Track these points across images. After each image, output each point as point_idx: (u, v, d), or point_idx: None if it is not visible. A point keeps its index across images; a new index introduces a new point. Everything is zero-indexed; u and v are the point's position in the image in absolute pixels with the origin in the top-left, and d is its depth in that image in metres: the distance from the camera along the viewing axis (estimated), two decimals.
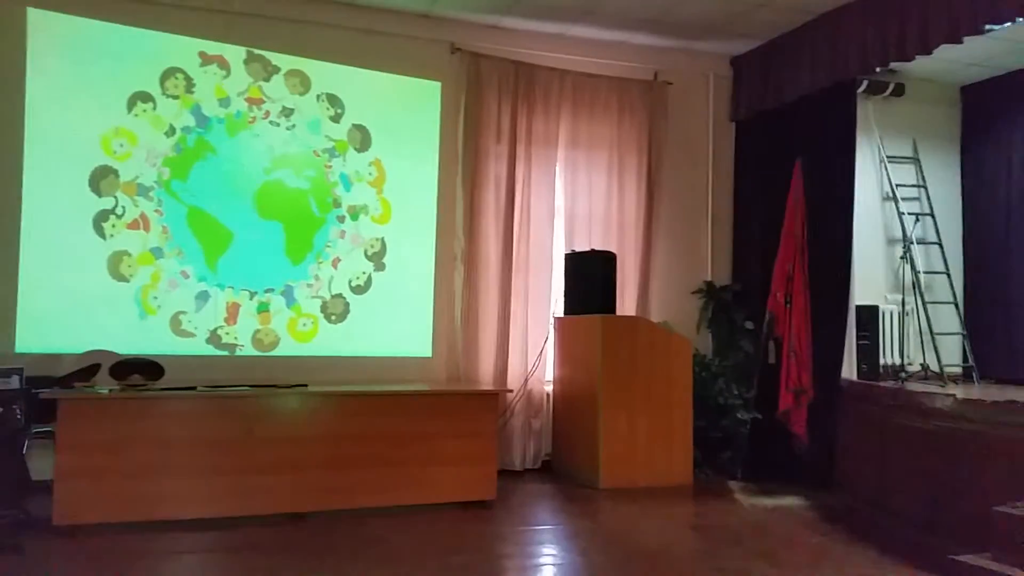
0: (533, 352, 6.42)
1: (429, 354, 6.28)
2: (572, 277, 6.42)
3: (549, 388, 6.51)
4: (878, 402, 5.33)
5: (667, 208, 7.01)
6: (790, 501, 5.46)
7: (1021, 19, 5.12)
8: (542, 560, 4.19)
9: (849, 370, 6.27)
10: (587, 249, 6.45)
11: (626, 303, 6.65)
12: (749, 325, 6.60)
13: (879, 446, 5.14)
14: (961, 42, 5.31)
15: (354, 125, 6.16)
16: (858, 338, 6.44)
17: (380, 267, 6.20)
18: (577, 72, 6.77)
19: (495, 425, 5.30)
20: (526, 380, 6.35)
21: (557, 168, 6.72)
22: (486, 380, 6.21)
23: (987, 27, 5.09)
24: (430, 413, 5.07)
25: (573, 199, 6.75)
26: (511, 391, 6.16)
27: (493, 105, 6.45)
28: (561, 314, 6.48)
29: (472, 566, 3.93)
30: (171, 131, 5.64)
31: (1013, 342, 7.05)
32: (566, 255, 6.52)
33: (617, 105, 6.91)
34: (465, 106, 6.35)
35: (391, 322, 6.20)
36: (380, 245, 6.22)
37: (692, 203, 7.19)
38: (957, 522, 4.15)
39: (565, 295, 6.45)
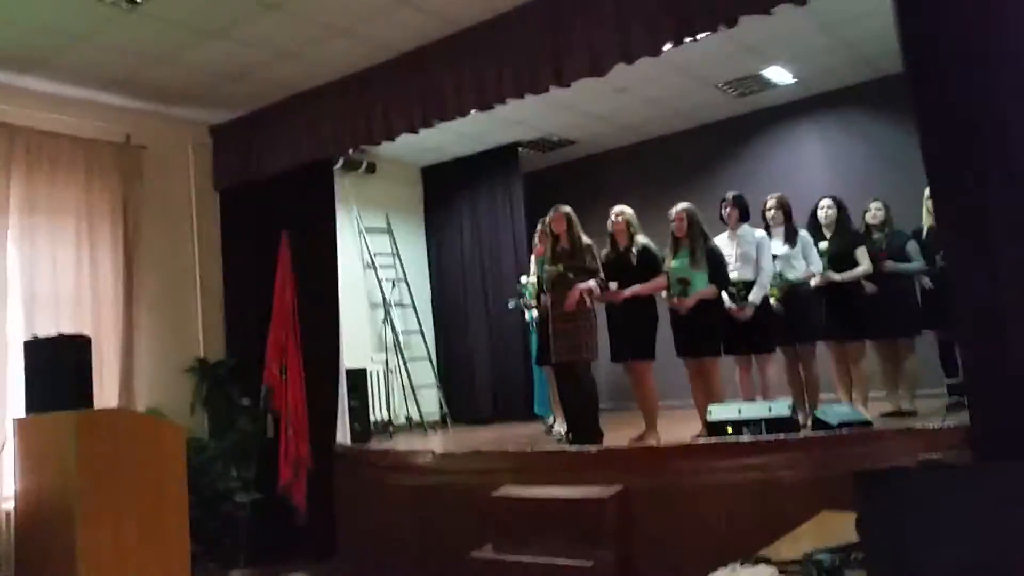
0: None
1: None
2: (36, 369, 5.46)
3: (9, 507, 5.41)
4: (370, 464, 5.70)
5: (150, 282, 6.49)
6: None
7: (443, 121, 5.91)
8: None
9: (343, 433, 6.55)
10: (53, 334, 5.58)
11: (107, 392, 5.92)
12: (246, 401, 6.43)
13: (374, 507, 5.47)
14: (417, 132, 6.06)
15: None
16: (349, 400, 6.77)
17: None
18: (31, 128, 5.88)
19: None
20: None
21: (8, 239, 5.72)
22: None
23: (436, 121, 5.87)
24: None
25: (33, 275, 5.80)
26: None
27: None
28: (22, 414, 5.46)
29: None
30: None
31: (475, 387, 8.23)
32: (26, 343, 5.54)
33: (84, 168, 6.17)
34: None
35: None
36: None
37: (179, 276, 6.77)
38: (446, 572, 4.54)
39: (27, 391, 5.45)
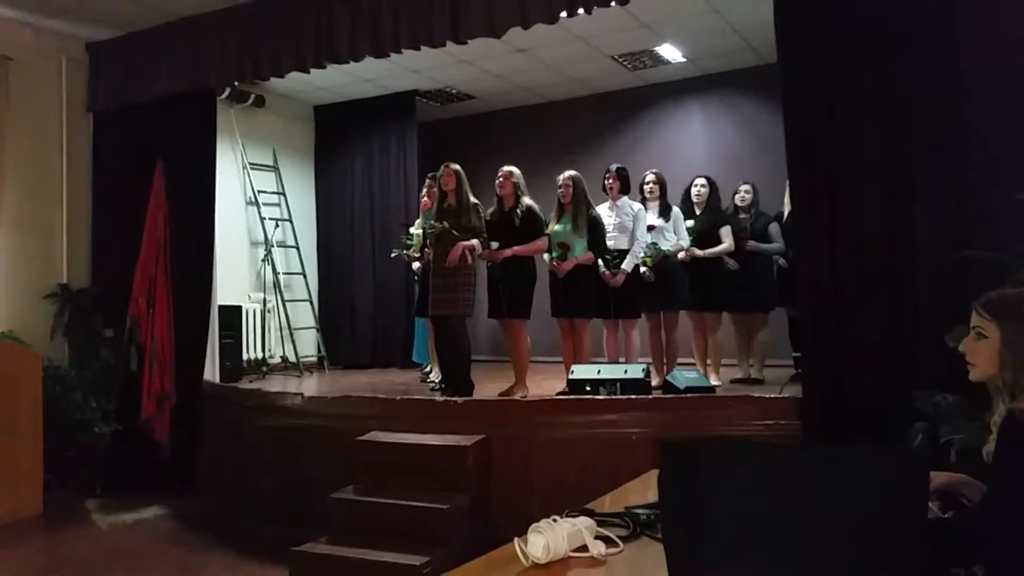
0: None
1: None
2: None
3: None
4: (238, 403, 5.66)
5: (12, 201, 6.14)
6: (152, 512, 5.39)
7: (336, 64, 5.83)
8: None
9: (213, 370, 6.45)
10: None
11: None
12: (109, 333, 6.22)
13: (239, 446, 5.46)
14: (308, 72, 5.92)
15: None
16: (221, 337, 6.65)
17: None
18: None
19: None
20: None
21: None
22: None
23: (328, 63, 5.76)
24: None
25: None
26: None
27: None
28: None
29: None
30: None
31: (356, 333, 8.24)
32: None
33: None
34: None
35: None
36: None
37: (44, 197, 6.39)
38: (307, 512, 4.59)
39: None
